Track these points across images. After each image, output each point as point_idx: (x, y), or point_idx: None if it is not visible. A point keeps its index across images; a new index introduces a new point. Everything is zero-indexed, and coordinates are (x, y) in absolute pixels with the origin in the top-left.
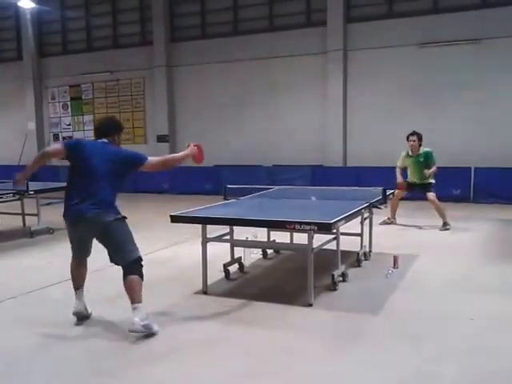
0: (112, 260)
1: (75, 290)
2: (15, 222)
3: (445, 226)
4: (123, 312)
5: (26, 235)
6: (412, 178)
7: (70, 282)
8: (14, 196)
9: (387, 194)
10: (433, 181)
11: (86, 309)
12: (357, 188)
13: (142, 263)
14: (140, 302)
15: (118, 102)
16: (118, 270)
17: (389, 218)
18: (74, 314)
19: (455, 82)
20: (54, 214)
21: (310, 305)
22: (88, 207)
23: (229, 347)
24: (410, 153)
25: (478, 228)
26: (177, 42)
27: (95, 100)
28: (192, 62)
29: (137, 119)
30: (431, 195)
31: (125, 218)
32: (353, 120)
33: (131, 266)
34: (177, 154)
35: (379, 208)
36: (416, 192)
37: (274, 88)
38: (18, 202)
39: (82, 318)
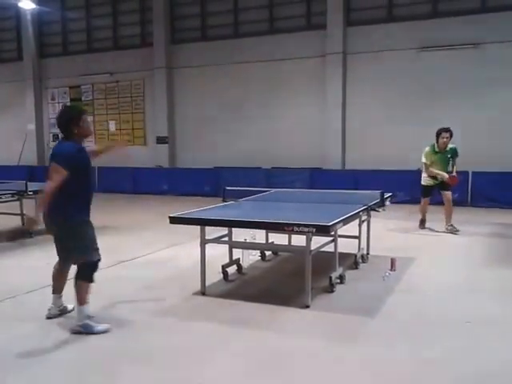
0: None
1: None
2: (14, 223)
3: (453, 227)
4: (124, 312)
5: (25, 235)
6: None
7: (68, 283)
8: (13, 196)
9: (385, 197)
10: (444, 175)
11: (61, 310)
12: (355, 191)
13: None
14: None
15: (117, 104)
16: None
17: (422, 220)
18: (46, 316)
19: (454, 86)
20: None
21: (308, 306)
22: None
23: (227, 348)
24: (437, 149)
25: (475, 232)
26: (177, 44)
27: (95, 101)
28: (192, 64)
29: (136, 121)
30: (449, 194)
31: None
32: (352, 123)
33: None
34: (44, 197)
35: (377, 211)
36: (435, 192)
37: (274, 90)
38: (17, 202)
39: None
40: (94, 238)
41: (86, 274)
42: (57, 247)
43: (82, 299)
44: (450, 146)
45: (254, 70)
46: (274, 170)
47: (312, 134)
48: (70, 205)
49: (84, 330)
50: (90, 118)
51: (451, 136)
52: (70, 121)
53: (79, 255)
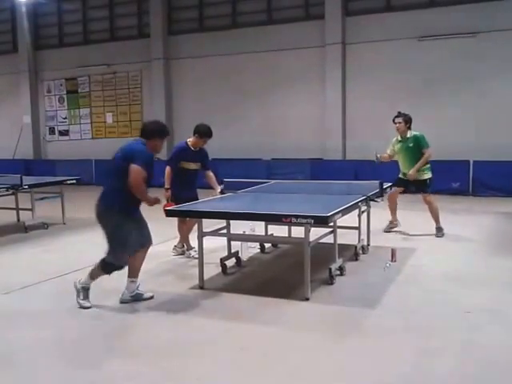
0: None
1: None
2: (9, 217)
3: (439, 231)
4: (120, 306)
5: (20, 230)
6: (404, 168)
7: (64, 278)
8: (7, 190)
9: (384, 187)
10: (428, 176)
11: (133, 296)
12: (354, 181)
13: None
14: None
15: (114, 95)
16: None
17: (391, 222)
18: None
19: (454, 74)
20: (48, 209)
21: (307, 299)
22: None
23: (225, 342)
24: (399, 137)
25: (476, 221)
26: (174, 35)
27: (92, 93)
28: (190, 55)
29: (134, 112)
30: (427, 197)
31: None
32: (352, 113)
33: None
34: (147, 195)
35: (376, 201)
36: (411, 189)
37: (273, 81)
38: (13, 197)
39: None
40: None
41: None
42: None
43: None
44: (414, 133)
45: (253, 60)
46: (275, 162)
47: (312, 125)
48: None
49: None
50: (86, 111)
51: (407, 122)
52: (158, 133)
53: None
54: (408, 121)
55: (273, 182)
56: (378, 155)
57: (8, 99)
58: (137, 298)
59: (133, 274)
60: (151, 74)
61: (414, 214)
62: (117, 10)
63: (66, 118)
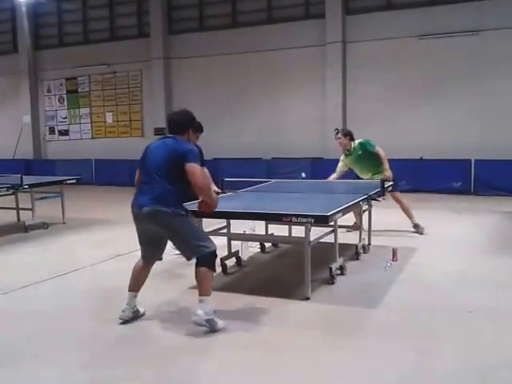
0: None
1: (128, 291)
2: (9, 217)
3: (418, 227)
4: (121, 305)
5: (20, 230)
6: (364, 175)
7: (64, 277)
8: (8, 190)
9: (385, 186)
10: (386, 175)
11: (135, 313)
12: (355, 180)
13: (215, 255)
14: (207, 294)
15: (114, 95)
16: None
17: (355, 223)
18: (120, 319)
19: (455, 73)
20: (48, 209)
21: (308, 298)
22: (146, 200)
23: (226, 341)
24: (346, 152)
25: (478, 220)
26: (174, 35)
27: (92, 93)
28: (190, 54)
29: (134, 112)
30: (395, 194)
31: (187, 213)
32: (352, 112)
33: (200, 259)
34: (212, 195)
35: (377, 200)
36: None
37: (273, 80)
38: (13, 197)
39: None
40: None
41: (211, 263)
42: (150, 245)
43: (206, 289)
44: (358, 140)
45: (253, 59)
46: (275, 161)
47: (312, 124)
48: (178, 197)
49: (208, 326)
50: (86, 110)
51: (347, 135)
52: (191, 123)
53: (198, 246)
54: (347, 134)
55: (273, 181)
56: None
57: (8, 99)
58: (136, 314)
59: (138, 288)
60: (151, 74)
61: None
62: (117, 9)
63: (65, 118)
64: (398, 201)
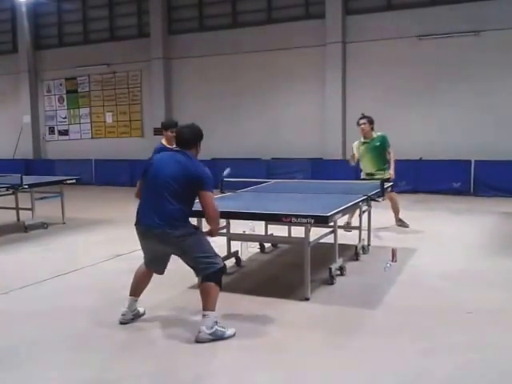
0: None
1: (129, 296)
2: (9, 217)
3: (403, 222)
4: (120, 306)
5: (20, 230)
6: (368, 168)
7: (63, 277)
8: (7, 190)
9: (385, 186)
10: (390, 175)
11: (135, 315)
12: (355, 181)
13: (223, 272)
14: (211, 309)
15: (114, 95)
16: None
17: (348, 223)
18: (120, 322)
19: (455, 74)
20: (48, 209)
21: (307, 299)
22: (155, 221)
23: (225, 342)
24: (363, 139)
25: (477, 221)
26: (174, 35)
27: (91, 93)
28: (189, 54)
29: (134, 112)
30: (391, 193)
31: (196, 228)
32: (352, 113)
33: (208, 276)
34: (217, 223)
35: (377, 201)
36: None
37: (273, 81)
38: (12, 197)
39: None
40: None
41: (218, 278)
42: (156, 259)
43: (210, 304)
44: (379, 133)
45: (253, 60)
46: (274, 161)
47: (312, 124)
48: (186, 216)
49: (214, 338)
50: (86, 110)
51: (371, 123)
52: (200, 138)
53: (207, 263)
54: (371, 122)
55: (273, 181)
56: (349, 158)
57: (8, 99)
58: (136, 315)
59: (139, 294)
60: (151, 74)
61: (415, 213)
62: (116, 9)
63: (65, 118)
64: (393, 200)
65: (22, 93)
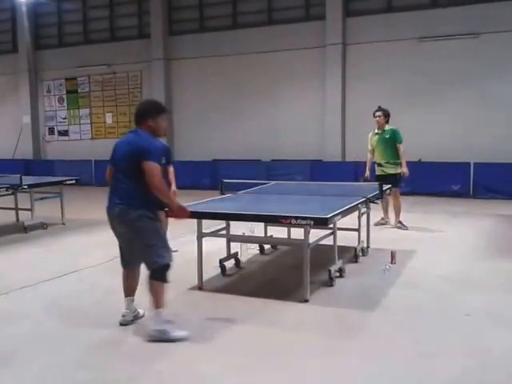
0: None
1: (124, 297)
2: (9, 217)
3: (401, 224)
4: (119, 306)
5: (19, 230)
6: (378, 159)
7: (63, 278)
8: (7, 190)
9: (384, 188)
10: (404, 171)
11: (135, 316)
12: (354, 183)
13: (169, 267)
14: (160, 307)
15: (114, 96)
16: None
17: (382, 218)
18: (121, 323)
19: (455, 76)
20: (48, 209)
21: (306, 301)
22: (116, 202)
23: (223, 343)
24: (377, 130)
25: (477, 223)
26: (175, 35)
27: (91, 93)
28: (190, 55)
29: (134, 113)
30: (397, 192)
31: (155, 216)
32: (351, 114)
33: (154, 272)
34: (172, 197)
35: (376, 203)
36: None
37: (273, 82)
38: (12, 197)
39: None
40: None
41: (164, 275)
42: (125, 250)
43: (157, 302)
44: (392, 127)
45: (253, 61)
46: (274, 163)
47: (312, 126)
48: (144, 197)
49: (160, 336)
50: (86, 111)
51: (386, 116)
52: (149, 112)
53: (156, 257)
54: (387, 115)
55: (272, 182)
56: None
57: (8, 99)
58: (136, 316)
59: (133, 292)
60: (151, 75)
61: (414, 216)
62: (117, 10)
63: (65, 118)
64: (396, 198)
65: (21, 93)
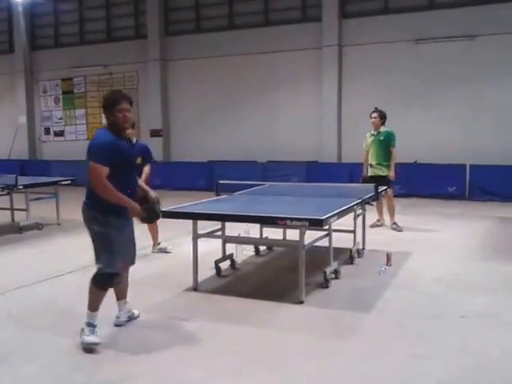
0: None
1: (116, 301)
2: (4, 217)
3: (396, 225)
4: (113, 308)
5: (14, 231)
6: (371, 159)
7: (58, 279)
8: (2, 190)
9: (379, 190)
10: (390, 174)
11: (130, 317)
12: (350, 184)
13: (108, 277)
14: (88, 309)
15: None
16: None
17: (378, 220)
18: (115, 324)
19: (451, 78)
20: (43, 210)
21: (302, 302)
22: (83, 201)
23: (218, 345)
24: (373, 131)
25: (472, 225)
26: (171, 36)
27: (88, 94)
28: (186, 56)
29: None
30: (389, 192)
31: (101, 222)
32: (348, 116)
33: (94, 275)
34: (121, 198)
35: (371, 204)
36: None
37: (269, 83)
38: (7, 197)
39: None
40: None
41: (96, 280)
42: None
43: (88, 305)
44: (387, 129)
45: (249, 62)
46: (270, 164)
47: (308, 128)
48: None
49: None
50: (82, 111)
51: (382, 118)
52: (107, 107)
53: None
54: (383, 117)
55: (268, 184)
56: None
57: (4, 99)
58: (131, 317)
59: (123, 295)
60: (147, 75)
61: (410, 217)
62: (113, 10)
63: (61, 119)
64: (389, 199)
65: (17, 93)
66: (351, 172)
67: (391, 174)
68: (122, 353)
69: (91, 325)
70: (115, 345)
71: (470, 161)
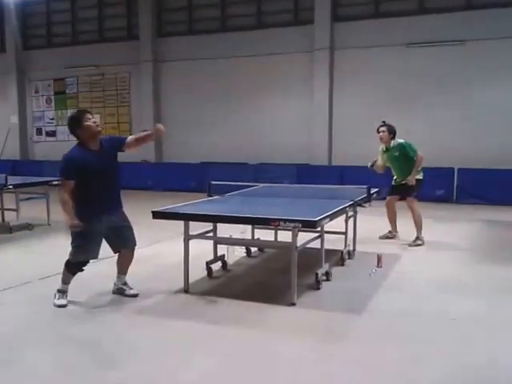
0: None
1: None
2: None
3: (416, 241)
4: (104, 309)
5: (4, 231)
6: (395, 175)
7: (47, 280)
8: None
9: (372, 192)
10: (409, 178)
11: (119, 289)
12: (342, 186)
13: (74, 265)
14: (61, 281)
15: (102, 97)
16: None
17: (390, 232)
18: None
19: (441, 82)
20: (33, 210)
21: (293, 304)
22: None
23: (207, 347)
24: (384, 147)
25: (461, 228)
26: (164, 37)
27: (80, 94)
28: (179, 57)
29: (122, 114)
30: (410, 200)
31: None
32: (339, 119)
33: (68, 259)
34: (67, 212)
35: (363, 206)
36: (397, 194)
37: (261, 85)
38: None
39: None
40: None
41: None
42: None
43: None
44: (399, 141)
45: (241, 64)
46: (261, 166)
47: (299, 130)
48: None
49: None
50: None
51: (391, 132)
52: (72, 126)
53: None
54: (391, 131)
55: (260, 185)
56: (369, 165)
57: None
58: (120, 291)
59: (123, 272)
60: (140, 76)
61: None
62: (106, 11)
63: (53, 119)
64: (412, 209)
65: (9, 93)
66: (342, 174)
67: (410, 178)
68: (111, 353)
69: (61, 291)
70: (104, 344)
71: (458, 164)
